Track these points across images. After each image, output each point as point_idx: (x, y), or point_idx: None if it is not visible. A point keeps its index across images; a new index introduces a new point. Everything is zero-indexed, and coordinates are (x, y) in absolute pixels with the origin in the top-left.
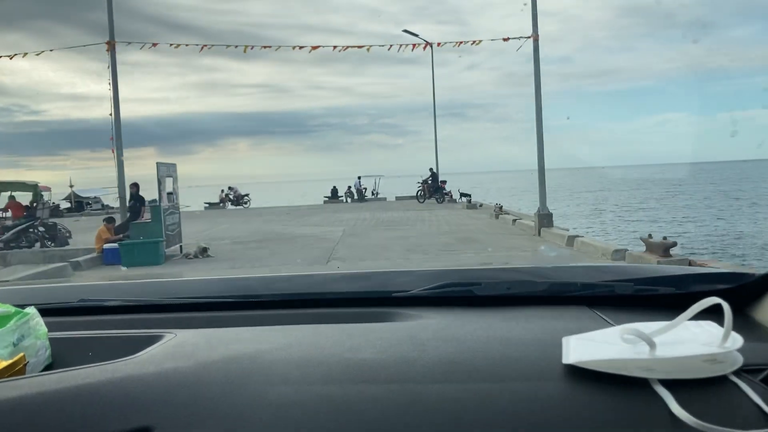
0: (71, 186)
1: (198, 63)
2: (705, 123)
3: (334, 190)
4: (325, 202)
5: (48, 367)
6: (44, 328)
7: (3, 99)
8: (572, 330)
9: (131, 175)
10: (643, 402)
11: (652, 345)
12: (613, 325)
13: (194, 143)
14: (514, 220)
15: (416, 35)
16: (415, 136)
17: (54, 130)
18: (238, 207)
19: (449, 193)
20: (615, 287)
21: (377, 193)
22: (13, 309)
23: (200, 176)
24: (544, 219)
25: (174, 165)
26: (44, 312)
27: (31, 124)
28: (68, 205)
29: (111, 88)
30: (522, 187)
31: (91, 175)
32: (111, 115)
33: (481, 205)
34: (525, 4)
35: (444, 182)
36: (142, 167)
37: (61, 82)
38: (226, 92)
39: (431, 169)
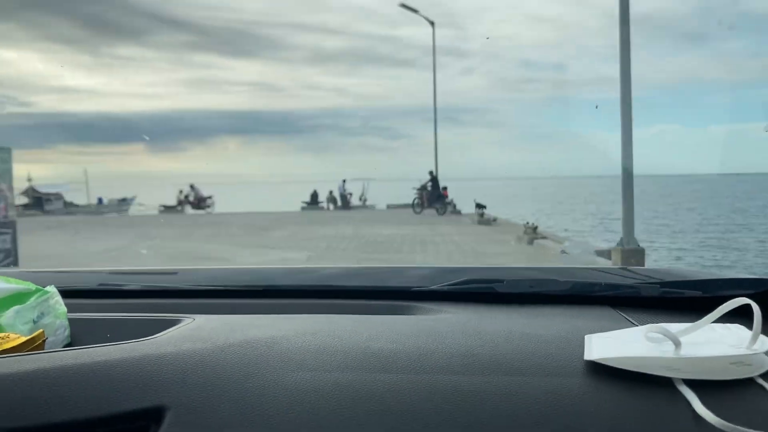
0: (29, 180)
1: (190, 59)
2: (697, 135)
3: (314, 195)
4: (303, 208)
5: (66, 347)
6: (63, 308)
7: None
8: (595, 329)
9: (120, 170)
10: (666, 400)
11: (677, 344)
12: (636, 326)
13: (183, 140)
14: (564, 252)
15: (416, 11)
16: (409, 140)
17: (42, 123)
18: (198, 211)
19: (452, 203)
20: (640, 289)
21: (365, 200)
22: (33, 287)
23: (189, 174)
24: (632, 257)
25: (7, 150)
26: (63, 294)
27: (18, 116)
28: (26, 200)
29: None
30: (524, 196)
31: (79, 169)
32: None
33: (495, 220)
34: None
35: (445, 189)
36: (130, 163)
37: (50, 74)
38: (217, 89)
39: (431, 173)
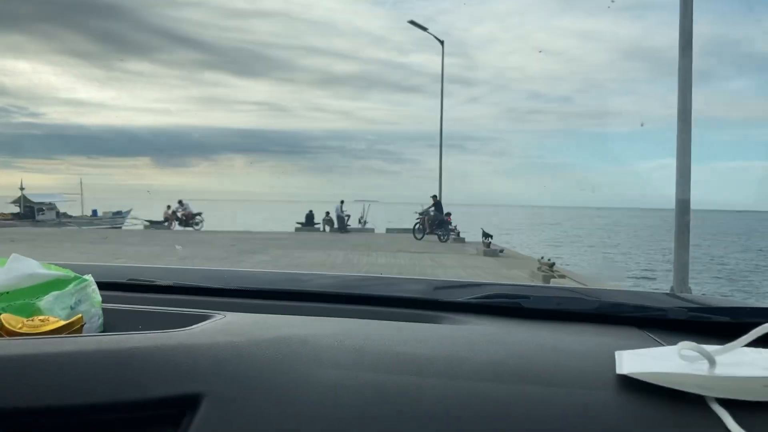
0: (22, 189)
1: (200, 77)
2: (699, 172)
3: (310, 216)
4: (297, 229)
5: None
6: (99, 297)
7: (1, 99)
8: (624, 346)
9: (127, 184)
10: (699, 418)
11: (712, 363)
12: (665, 346)
13: (190, 156)
14: None
15: (425, 29)
16: (413, 165)
17: (51, 134)
18: (187, 228)
19: (455, 230)
20: (668, 311)
21: (365, 222)
22: (72, 274)
23: (195, 190)
24: None
25: None
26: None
27: (28, 126)
28: (17, 210)
29: None
30: (527, 224)
31: (86, 182)
32: None
33: (502, 251)
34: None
35: (449, 215)
36: (136, 177)
37: (61, 87)
38: (226, 108)
39: (434, 197)
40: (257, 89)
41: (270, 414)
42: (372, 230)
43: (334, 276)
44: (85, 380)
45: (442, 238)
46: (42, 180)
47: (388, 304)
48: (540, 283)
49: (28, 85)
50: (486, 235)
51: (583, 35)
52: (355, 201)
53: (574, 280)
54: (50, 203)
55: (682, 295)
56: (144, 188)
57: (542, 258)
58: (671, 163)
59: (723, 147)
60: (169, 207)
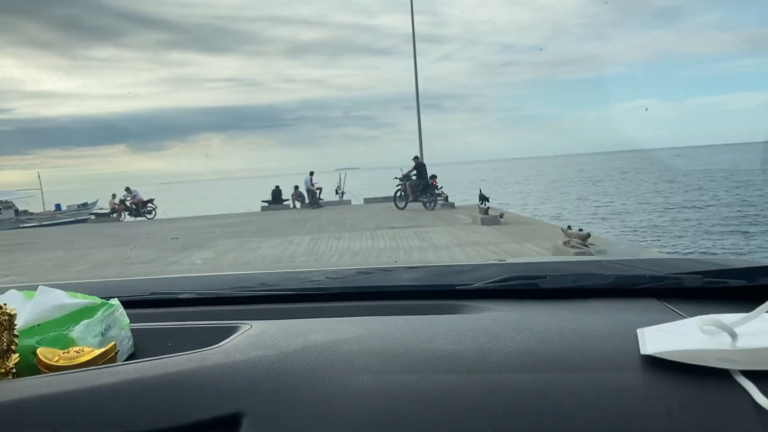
0: None
1: (167, 58)
2: (675, 108)
3: (277, 192)
4: (263, 208)
5: (130, 357)
6: (127, 319)
7: None
8: (644, 322)
9: (105, 173)
10: (725, 392)
11: (734, 336)
12: (684, 317)
13: (166, 139)
14: None
15: None
16: (391, 128)
17: (21, 128)
18: (138, 218)
19: (442, 194)
20: (684, 280)
21: (342, 193)
22: (99, 300)
23: (173, 172)
24: None
25: None
26: None
27: None
28: None
29: None
30: (512, 179)
31: (63, 174)
32: None
33: (502, 216)
34: None
35: (435, 178)
36: (113, 165)
37: (26, 79)
38: (196, 87)
39: (416, 158)
40: (226, 65)
41: (308, 426)
42: (348, 202)
43: (349, 270)
44: (127, 411)
45: (428, 205)
46: (17, 176)
47: (406, 297)
48: (555, 259)
49: None
50: (483, 198)
51: None
52: (336, 170)
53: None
54: (7, 201)
55: (696, 258)
56: (122, 177)
57: (569, 228)
58: (644, 104)
59: (696, 83)
60: (114, 196)
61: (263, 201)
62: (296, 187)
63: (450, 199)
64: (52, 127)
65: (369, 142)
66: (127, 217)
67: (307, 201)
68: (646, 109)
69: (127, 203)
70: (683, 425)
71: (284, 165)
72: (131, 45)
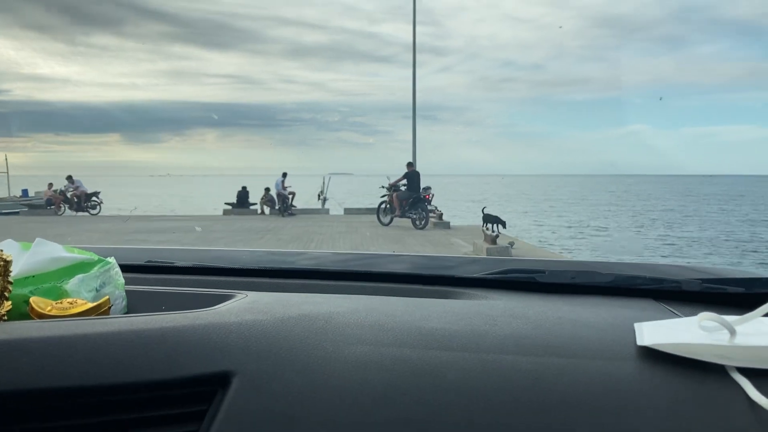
0: None
1: (168, 50)
2: (670, 137)
3: (243, 194)
4: (225, 212)
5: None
6: (122, 279)
7: None
8: (641, 318)
9: (97, 161)
10: (720, 386)
11: (732, 332)
12: (682, 317)
13: (161, 132)
14: None
15: None
16: (387, 136)
17: (15, 110)
18: (80, 213)
19: (435, 211)
20: (682, 283)
21: (325, 199)
22: (96, 257)
23: (167, 165)
24: None
25: None
26: None
27: None
28: None
29: None
30: (505, 195)
31: (55, 159)
32: None
33: (512, 245)
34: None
35: (428, 191)
36: (106, 154)
37: (23, 62)
38: (195, 81)
39: (410, 165)
40: (227, 61)
41: (300, 389)
42: (327, 211)
43: (351, 254)
44: (118, 360)
45: (417, 223)
46: (8, 158)
47: (405, 281)
48: (556, 258)
49: None
50: (490, 220)
51: (551, 2)
52: (329, 174)
53: None
54: None
55: (696, 266)
56: (116, 165)
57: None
58: (641, 129)
59: (693, 112)
60: (51, 185)
61: (227, 203)
62: (266, 190)
63: (445, 217)
64: (47, 111)
65: (364, 148)
66: (67, 211)
67: (276, 207)
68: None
69: (68, 195)
70: (677, 417)
71: (279, 165)
72: (132, 35)
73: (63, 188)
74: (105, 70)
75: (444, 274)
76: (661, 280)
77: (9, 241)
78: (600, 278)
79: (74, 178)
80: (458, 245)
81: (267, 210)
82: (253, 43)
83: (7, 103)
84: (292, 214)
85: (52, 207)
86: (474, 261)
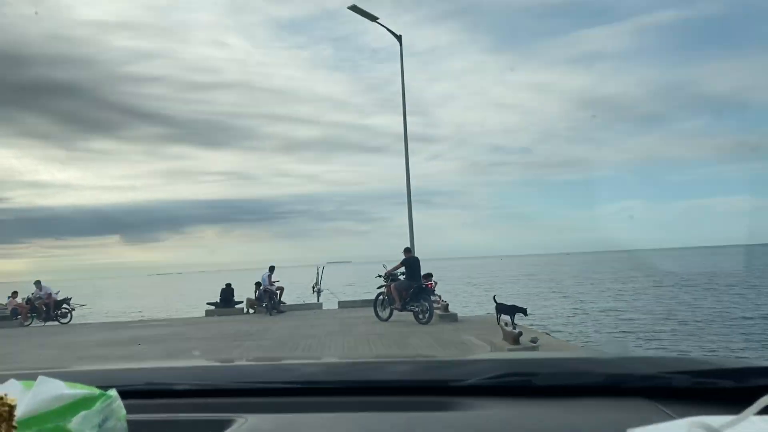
0: None
1: (165, 151)
2: (662, 210)
3: (227, 292)
4: (208, 313)
5: None
6: (124, 410)
7: None
8: (635, 422)
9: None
10: None
11: None
12: (674, 418)
13: (160, 231)
14: None
15: (375, 18)
16: (382, 223)
17: (17, 218)
18: (49, 322)
19: (439, 301)
20: (673, 379)
21: (320, 291)
22: (98, 391)
23: (165, 264)
24: None
25: None
26: None
27: None
28: None
29: None
30: (513, 277)
31: (55, 264)
32: None
33: (535, 342)
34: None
35: (430, 279)
36: (106, 255)
37: (24, 169)
38: (192, 179)
39: (407, 251)
40: (222, 159)
41: None
42: (320, 306)
43: (345, 364)
44: None
45: (420, 317)
46: (8, 265)
47: (399, 392)
48: (549, 355)
49: None
50: (506, 310)
51: (536, 88)
52: (328, 263)
53: None
54: None
55: (687, 357)
56: (116, 267)
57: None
58: (631, 205)
59: (684, 186)
60: (15, 294)
61: (209, 303)
62: (258, 285)
63: (452, 308)
64: (47, 216)
65: (360, 236)
66: (35, 321)
67: (263, 304)
68: (632, 216)
69: (36, 304)
70: None
71: (278, 257)
72: (129, 138)
73: (31, 296)
74: (104, 173)
75: (439, 380)
76: (652, 377)
77: (12, 381)
78: (593, 378)
79: (43, 283)
80: (471, 344)
81: (251, 311)
82: (248, 140)
83: (9, 210)
84: (281, 312)
85: (19, 318)
86: (469, 363)
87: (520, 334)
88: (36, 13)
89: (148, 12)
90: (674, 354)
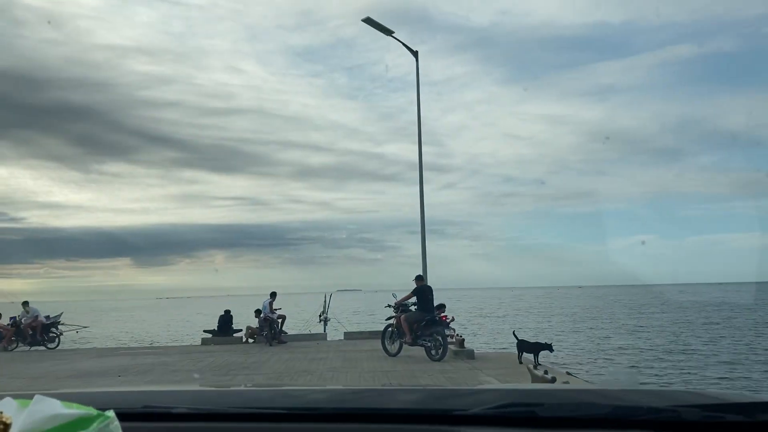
0: None
1: (178, 175)
2: (675, 246)
3: (226, 319)
4: (204, 341)
5: None
6: None
7: None
8: None
9: (107, 285)
10: None
11: None
12: None
13: (171, 254)
14: None
15: (391, 32)
16: (394, 251)
17: (30, 237)
18: (35, 347)
19: (454, 335)
20: (681, 413)
21: (327, 320)
22: (95, 412)
23: (174, 287)
24: None
25: None
26: None
27: (6, 231)
28: None
29: None
30: (525, 308)
31: (66, 285)
32: None
33: (554, 381)
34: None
35: (443, 311)
36: (116, 278)
37: (39, 190)
38: (204, 204)
39: (419, 278)
40: (235, 184)
41: None
42: (324, 337)
43: (346, 391)
44: None
45: (433, 352)
46: (20, 285)
47: (399, 420)
48: (556, 386)
49: (6, 191)
50: (529, 348)
51: (549, 120)
52: (337, 291)
53: None
54: None
55: (695, 390)
56: (126, 289)
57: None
58: (645, 239)
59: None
60: None
61: (206, 331)
62: (258, 312)
63: (467, 343)
64: (59, 237)
65: (372, 264)
66: (20, 346)
67: (263, 333)
68: (643, 242)
69: (21, 327)
70: None
71: (287, 284)
72: (143, 162)
73: (17, 317)
74: (117, 196)
75: (442, 410)
76: (659, 410)
77: (7, 399)
78: (599, 410)
79: (32, 304)
80: (488, 382)
81: (251, 340)
82: (261, 166)
83: (23, 230)
84: (281, 342)
85: (2, 342)
86: (473, 392)
87: (554, 380)
88: (49, 22)
89: (165, 37)
90: (682, 387)
